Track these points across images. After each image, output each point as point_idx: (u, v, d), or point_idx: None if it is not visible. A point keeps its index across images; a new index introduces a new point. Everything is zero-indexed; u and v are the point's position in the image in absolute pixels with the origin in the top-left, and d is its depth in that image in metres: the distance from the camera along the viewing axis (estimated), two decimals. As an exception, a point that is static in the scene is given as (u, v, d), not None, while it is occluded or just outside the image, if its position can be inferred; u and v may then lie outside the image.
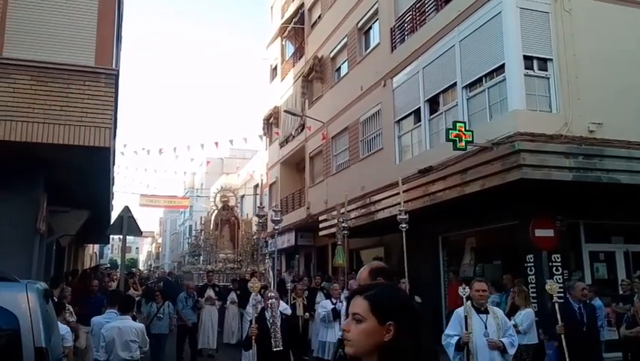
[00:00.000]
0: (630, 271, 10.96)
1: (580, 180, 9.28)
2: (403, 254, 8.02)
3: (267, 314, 6.02)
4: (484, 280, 5.90)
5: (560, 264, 10.03)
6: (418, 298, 9.60)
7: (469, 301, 5.64)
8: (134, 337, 6.15)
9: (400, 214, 8.42)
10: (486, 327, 5.40)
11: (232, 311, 13.65)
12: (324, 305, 9.96)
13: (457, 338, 5.45)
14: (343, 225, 9.11)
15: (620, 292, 10.48)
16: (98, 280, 11.48)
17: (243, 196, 17.62)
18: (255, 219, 19.06)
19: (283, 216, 19.28)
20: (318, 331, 11.19)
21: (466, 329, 5.38)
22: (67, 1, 8.10)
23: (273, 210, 9.25)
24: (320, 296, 12.06)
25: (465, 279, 12.47)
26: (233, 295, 13.57)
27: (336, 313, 9.53)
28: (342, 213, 9.74)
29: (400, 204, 8.66)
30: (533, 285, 10.04)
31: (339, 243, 8.86)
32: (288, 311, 9.09)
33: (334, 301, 9.81)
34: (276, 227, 8.91)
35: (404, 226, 8.32)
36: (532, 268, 10.18)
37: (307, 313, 11.24)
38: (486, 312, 5.52)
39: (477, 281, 5.80)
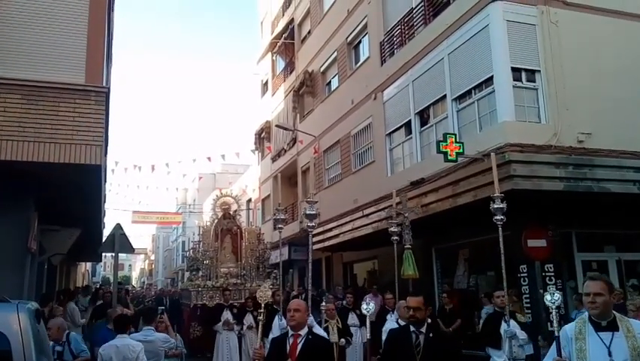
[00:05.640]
0: (623, 280, 10.99)
1: (571, 189, 9.36)
2: (501, 257, 7.04)
3: (291, 333, 4.57)
4: (600, 278, 3.69)
5: (553, 274, 10.06)
6: (521, 318, 7.86)
7: (585, 314, 3.72)
8: (132, 355, 6.08)
9: (495, 201, 6.69)
10: (610, 353, 3.42)
11: (250, 339, 10.94)
12: (390, 327, 7.42)
13: None
14: (406, 215, 6.73)
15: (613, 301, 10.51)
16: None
17: (235, 211, 17.27)
18: (261, 228, 18.80)
19: (274, 231, 19.20)
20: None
21: (559, 354, 3.59)
22: (57, 20, 8.10)
23: (306, 201, 7.90)
24: (352, 318, 10.22)
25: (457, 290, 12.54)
26: (250, 318, 10.97)
27: None
28: (410, 199, 6.94)
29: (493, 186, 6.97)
30: (527, 295, 10.06)
31: (408, 246, 6.82)
32: (324, 334, 7.08)
33: (402, 323, 7.10)
34: (310, 223, 7.63)
35: (500, 218, 6.80)
36: (526, 278, 10.20)
37: (343, 340, 8.81)
38: (612, 328, 3.53)
39: (589, 279, 3.71)
